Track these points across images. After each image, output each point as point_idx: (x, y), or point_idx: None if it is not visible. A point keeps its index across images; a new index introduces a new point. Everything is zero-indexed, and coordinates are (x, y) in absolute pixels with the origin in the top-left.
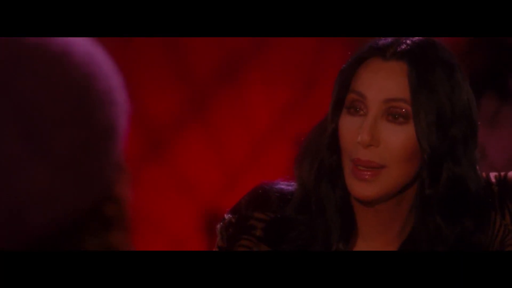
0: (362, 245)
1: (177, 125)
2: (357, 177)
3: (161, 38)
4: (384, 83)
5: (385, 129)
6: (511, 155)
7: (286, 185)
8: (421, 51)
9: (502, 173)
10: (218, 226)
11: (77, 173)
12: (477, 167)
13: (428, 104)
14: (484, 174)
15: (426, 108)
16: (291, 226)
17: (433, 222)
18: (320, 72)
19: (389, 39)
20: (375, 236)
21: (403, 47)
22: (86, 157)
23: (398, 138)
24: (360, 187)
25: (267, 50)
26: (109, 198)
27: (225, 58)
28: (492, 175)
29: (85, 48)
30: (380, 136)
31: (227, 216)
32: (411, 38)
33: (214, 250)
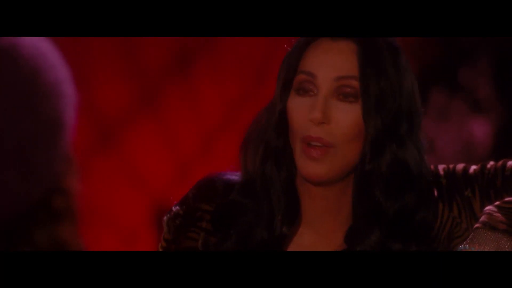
0: (306, 229)
1: (127, 118)
2: (308, 156)
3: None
4: (334, 61)
5: (336, 108)
6: (460, 148)
7: (234, 175)
8: None
9: (451, 166)
10: (165, 218)
11: (25, 165)
12: (422, 152)
13: (375, 83)
14: (432, 167)
15: (373, 87)
16: (236, 211)
17: (373, 197)
18: (270, 65)
19: None
20: (322, 221)
21: None
22: (33, 149)
23: (348, 116)
24: (311, 166)
25: (217, 44)
26: (57, 190)
27: (176, 51)
28: (441, 167)
29: (32, 41)
30: (331, 115)
31: (174, 208)
32: None
33: (160, 242)
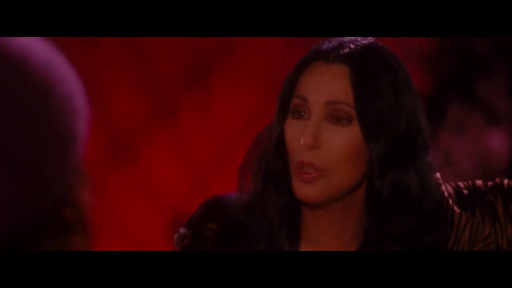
0: (310, 248)
1: (144, 129)
2: (301, 179)
3: (127, 42)
4: (326, 86)
5: (328, 131)
6: (477, 161)
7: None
8: (364, 54)
9: (470, 182)
10: (175, 237)
11: (36, 177)
12: (430, 174)
13: (371, 107)
14: (452, 183)
15: (369, 111)
16: (239, 230)
17: (381, 220)
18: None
19: (333, 43)
20: (326, 240)
21: (346, 50)
22: (45, 162)
23: (340, 139)
24: (304, 189)
25: (233, 54)
26: (68, 203)
27: (192, 62)
28: (460, 183)
29: (44, 53)
30: (322, 138)
31: (181, 230)
32: (355, 42)
33: None
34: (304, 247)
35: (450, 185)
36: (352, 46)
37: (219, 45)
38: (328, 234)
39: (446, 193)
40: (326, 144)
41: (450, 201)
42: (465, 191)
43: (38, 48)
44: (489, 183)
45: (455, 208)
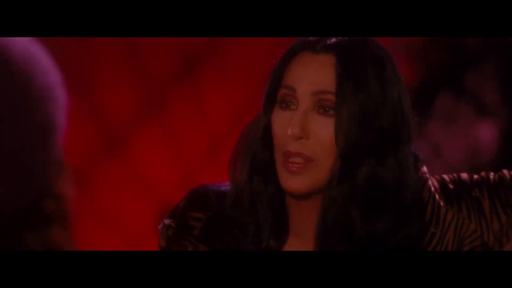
0: (295, 240)
1: (134, 122)
2: (288, 170)
3: (119, 38)
4: (313, 76)
5: (315, 122)
6: (466, 153)
7: (223, 186)
8: (351, 45)
9: (455, 174)
10: (159, 227)
11: (16, 168)
12: (412, 167)
13: (352, 98)
14: (437, 176)
15: (349, 102)
16: (226, 224)
17: (346, 215)
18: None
19: None
20: (311, 232)
21: (333, 40)
22: (24, 153)
23: (327, 130)
24: (291, 180)
25: (223, 49)
26: (48, 194)
27: (182, 55)
28: (445, 176)
29: (24, 45)
30: (310, 129)
31: (166, 221)
32: None
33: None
34: (290, 239)
35: (435, 178)
36: (339, 36)
37: (209, 40)
38: (312, 226)
39: (432, 188)
40: (313, 134)
41: (437, 196)
42: (451, 185)
43: (18, 41)
44: (475, 176)
45: (441, 203)
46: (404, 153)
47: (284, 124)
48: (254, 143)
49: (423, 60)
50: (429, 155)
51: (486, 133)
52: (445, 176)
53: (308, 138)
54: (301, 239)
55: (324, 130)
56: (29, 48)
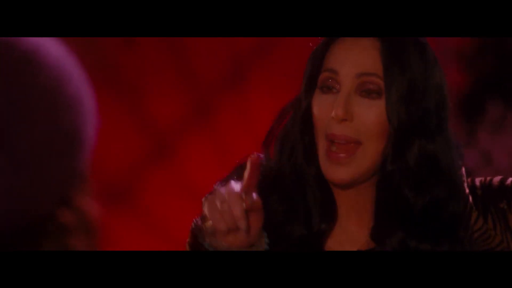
0: (346, 224)
1: (182, 128)
2: (332, 160)
3: (166, 41)
4: (356, 58)
5: (359, 104)
6: None
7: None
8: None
9: (488, 178)
10: (192, 225)
11: (37, 175)
12: (452, 145)
13: (400, 79)
14: (469, 180)
15: (397, 83)
16: (273, 211)
17: (399, 195)
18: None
19: None
20: (347, 219)
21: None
22: (47, 159)
23: (371, 112)
24: (335, 171)
25: (271, 54)
26: (65, 204)
27: (230, 62)
28: (477, 179)
29: (59, 51)
30: (354, 111)
31: (196, 221)
32: None
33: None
34: (337, 223)
35: (467, 182)
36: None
37: (258, 45)
38: (348, 214)
39: (467, 190)
40: (357, 117)
41: (470, 199)
42: (479, 192)
43: (53, 47)
44: (506, 182)
45: (474, 207)
46: (448, 131)
47: (326, 107)
48: (294, 126)
49: (473, 67)
50: (480, 162)
51: None
52: (476, 181)
53: (352, 120)
54: (344, 225)
55: (367, 112)
56: (63, 55)
